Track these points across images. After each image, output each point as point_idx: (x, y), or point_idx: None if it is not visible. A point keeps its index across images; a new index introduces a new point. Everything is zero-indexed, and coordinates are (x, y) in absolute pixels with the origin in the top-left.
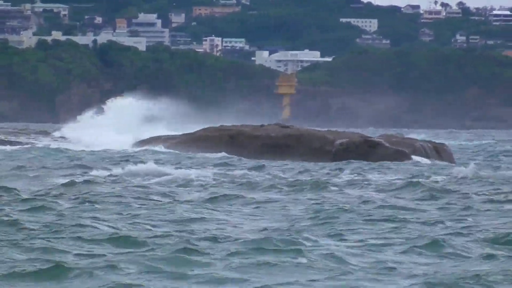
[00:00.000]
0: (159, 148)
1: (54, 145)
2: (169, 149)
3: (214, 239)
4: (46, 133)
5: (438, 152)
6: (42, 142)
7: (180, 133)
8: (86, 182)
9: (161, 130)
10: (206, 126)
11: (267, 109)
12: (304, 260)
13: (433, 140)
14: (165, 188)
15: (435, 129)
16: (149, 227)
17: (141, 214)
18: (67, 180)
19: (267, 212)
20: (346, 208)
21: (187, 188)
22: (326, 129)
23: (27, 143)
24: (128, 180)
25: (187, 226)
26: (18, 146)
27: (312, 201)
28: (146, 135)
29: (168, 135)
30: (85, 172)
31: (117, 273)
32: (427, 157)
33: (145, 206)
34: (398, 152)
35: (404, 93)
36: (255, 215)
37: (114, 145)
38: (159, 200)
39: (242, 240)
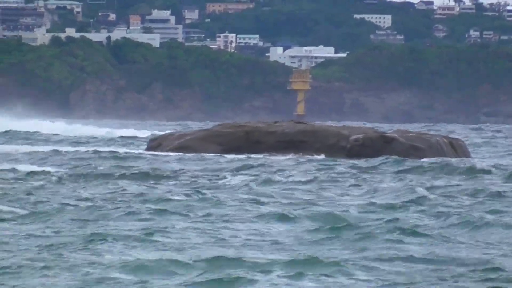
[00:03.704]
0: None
1: None
2: (177, 150)
3: None
4: None
5: (454, 147)
6: None
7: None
8: None
9: None
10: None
11: (281, 106)
12: None
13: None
14: None
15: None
16: None
17: None
18: None
19: None
20: None
21: None
22: (341, 124)
23: None
24: None
25: None
26: None
27: None
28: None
29: (182, 132)
30: None
31: None
32: (443, 152)
33: None
34: (413, 148)
35: (416, 89)
36: None
37: None
38: None
39: None
